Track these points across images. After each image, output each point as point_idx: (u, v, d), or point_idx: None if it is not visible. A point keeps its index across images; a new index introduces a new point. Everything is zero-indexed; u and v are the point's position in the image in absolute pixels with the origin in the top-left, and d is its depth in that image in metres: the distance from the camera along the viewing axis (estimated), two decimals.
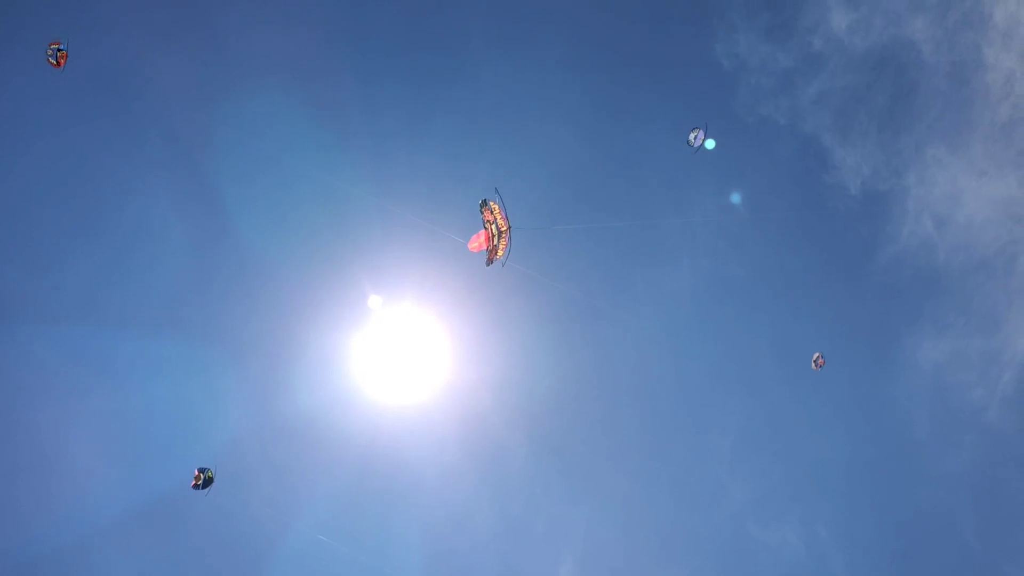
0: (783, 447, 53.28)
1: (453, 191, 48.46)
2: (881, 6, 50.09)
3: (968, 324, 50.80)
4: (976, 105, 49.97)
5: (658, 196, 54.00)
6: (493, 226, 31.36)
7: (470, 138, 52.12)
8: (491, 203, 30.97)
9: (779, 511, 52.43)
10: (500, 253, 31.94)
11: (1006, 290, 50.05)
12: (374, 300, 46.96)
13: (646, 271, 54.37)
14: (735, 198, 51.83)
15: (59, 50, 36.79)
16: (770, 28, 51.51)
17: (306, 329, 49.23)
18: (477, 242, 32.35)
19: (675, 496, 54.02)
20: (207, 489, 37.41)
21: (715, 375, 54.39)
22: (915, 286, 51.85)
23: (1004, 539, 49.42)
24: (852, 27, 50.43)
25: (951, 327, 50.98)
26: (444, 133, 51.72)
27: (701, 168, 52.27)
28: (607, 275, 54.45)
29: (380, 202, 48.32)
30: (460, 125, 52.25)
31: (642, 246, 54.19)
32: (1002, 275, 50.12)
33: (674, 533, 53.37)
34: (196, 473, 37.15)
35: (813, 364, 42.38)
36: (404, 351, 50.75)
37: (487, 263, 32.33)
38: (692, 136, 39.92)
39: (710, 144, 40.05)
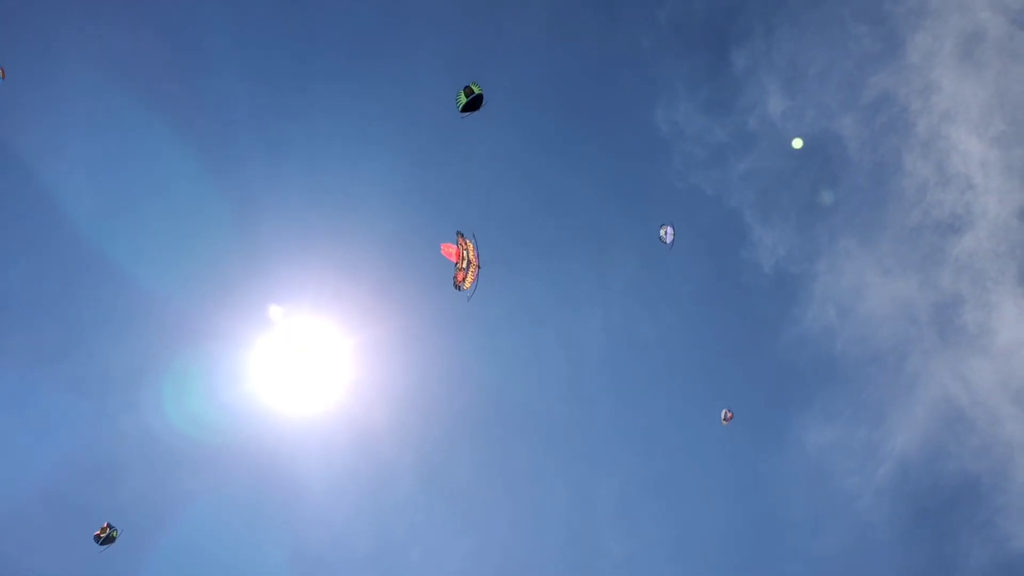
0: (664, 507, 54.26)
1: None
2: (815, 99, 52.41)
3: (855, 414, 52.76)
4: (890, 206, 52.53)
5: (581, 244, 55.09)
6: (466, 253, 31.90)
7: (365, 140, 51.78)
8: (467, 239, 31.70)
9: (654, 571, 53.21)
10: (468, 285, 32.56)
11: (893, 386, 52.24)
12: (275, 310, 46.87)
13: (559, 314, 55.23)
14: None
15: None
16: (710, 102, 53.45)
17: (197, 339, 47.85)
18: (448, 252, 32.42)
19: (555, 541, 54.33)
20: (105, 545, 36.66)
21: (612, 426, 55.21)
22: (812, 370, 53.82)
23: None
24: (786, 113, 52.60)
25: (839, 415, 52.84)
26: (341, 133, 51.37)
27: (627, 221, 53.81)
28: (521, 311, 55.05)
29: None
30: (357, 126, 52.02)
31: (559, 291, 55.12)
32: (892, 371, 52.36)
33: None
34: (104, 527, 36.42)
35: (723, 419, 43.35)
36: (303, 362, 50.22)
37: (454, 286, 32.54)
38: (662, 232, 41.02)
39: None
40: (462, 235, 31.66)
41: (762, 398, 54.04)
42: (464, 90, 32.27)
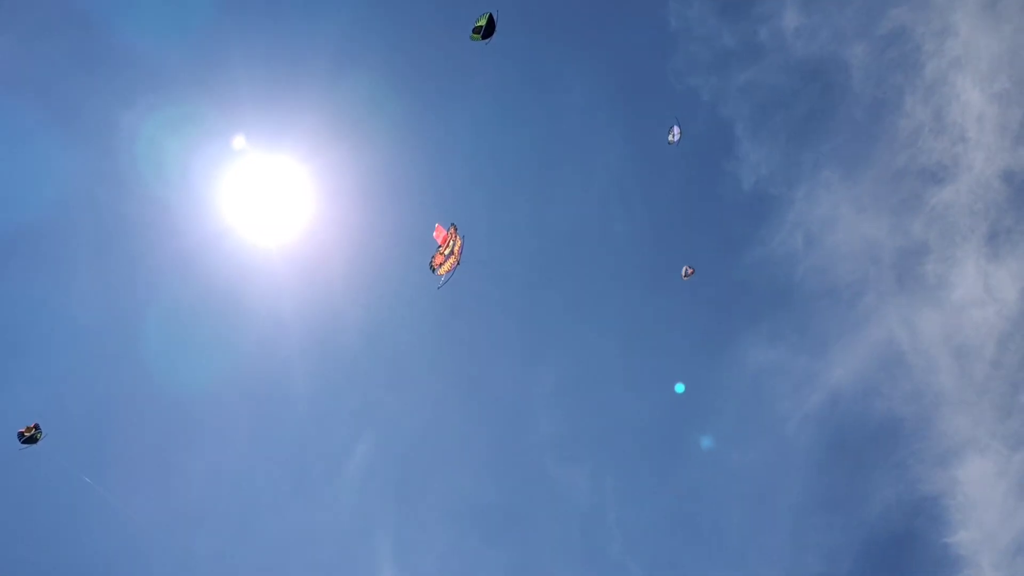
0: (599, 398, 55.48)
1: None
2: (831, 21, 51.19)
3: (799, 341, 53.77)
4: (880, 145, 52.24)
5: (567, 127, 54.19)
6: (452, 244, 32.12)
7: None
8: (459, 235, 31.84)
9: (578, 455, 54.73)
10: (443, 271, 32.94)
11: (842, 321, 53.16)
12: (238, 140, 46.04)
13: (534, 191, 54.89)
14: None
15: None
16: (725, 4, 51.97)
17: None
18: (439, 235, 32.42)
19: (489, 415, 55.59)
20: (26, 444, 34.95)
21: (563, 311, 55.93)
22: (767, 292, 54.51)
23: (754, 536, 53.40)
24: (799, 31, 51.38)
25: (784, 339, 53.84)
26: None
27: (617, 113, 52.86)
28: (494, 177, 54.51)
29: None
30: None
31: (538, 170, 54.54)
32: (844, 306, 53.17)
33: (474, 444, 55.07)
34: (31, 426, 34.84)
35: (683, 275, 43.54)
36: (270, 194, 49.72)
37: (429, 266, 32.93)
38: (670, 133, 41.58)
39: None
40: (456, 228, 31.80)
41: (714, 309, 54.90)
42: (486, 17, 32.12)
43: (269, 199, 50.28)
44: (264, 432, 51.72)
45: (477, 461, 54.66)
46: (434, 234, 32.37)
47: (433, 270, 33.06)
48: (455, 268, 32.86)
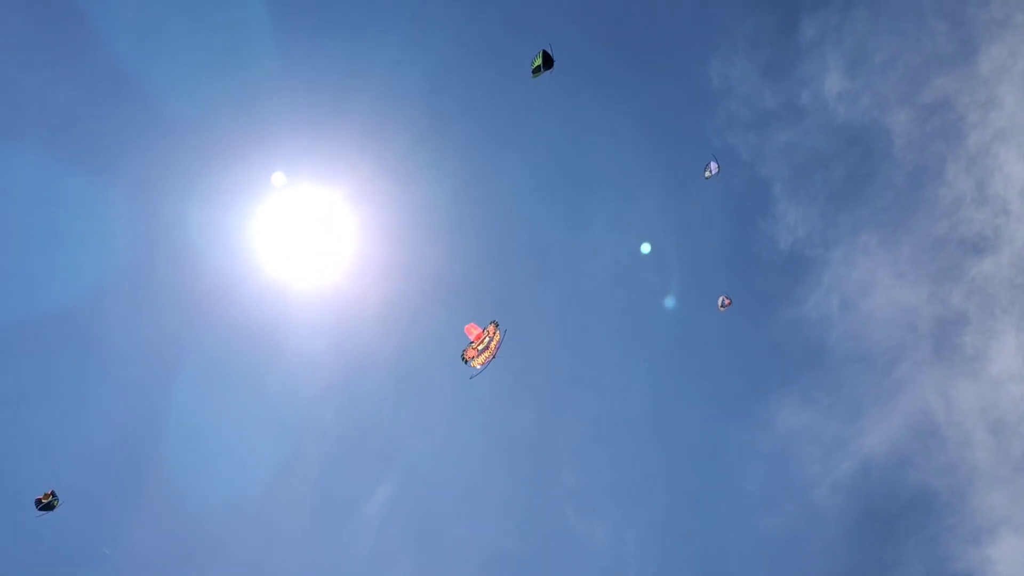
0: (625, 452, 54.91)
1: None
2: (874, 87, 51.26)
3: (832, 406, 52.93)
4: (920, 212, 51.79)
5: (606, 174, 54.67)
6: (489, 341, 32.44)
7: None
8: (499, 330, 32.28)
9: (599, 507, 54.03)
10: (477, 364, 33.05)
11: (876, 388, 52.31)
12: (278, 177, 46.85)
13: (570, 239, 55.14)
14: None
15: None
16: (768, 65, 52.29)
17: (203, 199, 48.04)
18: (471, 332, 32.80)
19: (514, 461, 55.30)
20: (44, 511, 35.52)
21: (593, 361, 55.65)
22: (801, 353, 53.85)
23: None
24: (841, 95, 51.51)
25: (816, 403, 53.02)
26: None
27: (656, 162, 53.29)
28: (528, 227, 54.95)
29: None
30: None
31: (574, 216, 54.93)
32: (879, 373, 52.35)
33: (497, 492, 54.65)
34: (48, 493, 35.38)
35: (720, 305, 43.31)
36: (307, 231, 50.57)
37: (462, 358, 32.97)
38: (707, 171, 41.94)
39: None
40: (496, 325, 32.18)
41: (746, 369, 54.47)
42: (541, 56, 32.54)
43: (306, 236, 51.08)
44: (287, 468, 51.89)
45: (498, 508, 54.34)
46: (466, 330, 32.56)
47: (465, 362, 32.93)
48: (489, 362, 32.87)
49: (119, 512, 48.35)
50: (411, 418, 54.39)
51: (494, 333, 32.24)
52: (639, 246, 52.55)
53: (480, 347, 32.52)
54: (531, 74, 33.10)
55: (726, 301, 43.19)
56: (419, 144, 51.29)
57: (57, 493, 35.60)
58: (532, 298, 54.46)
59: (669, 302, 52.94)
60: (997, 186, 50.39)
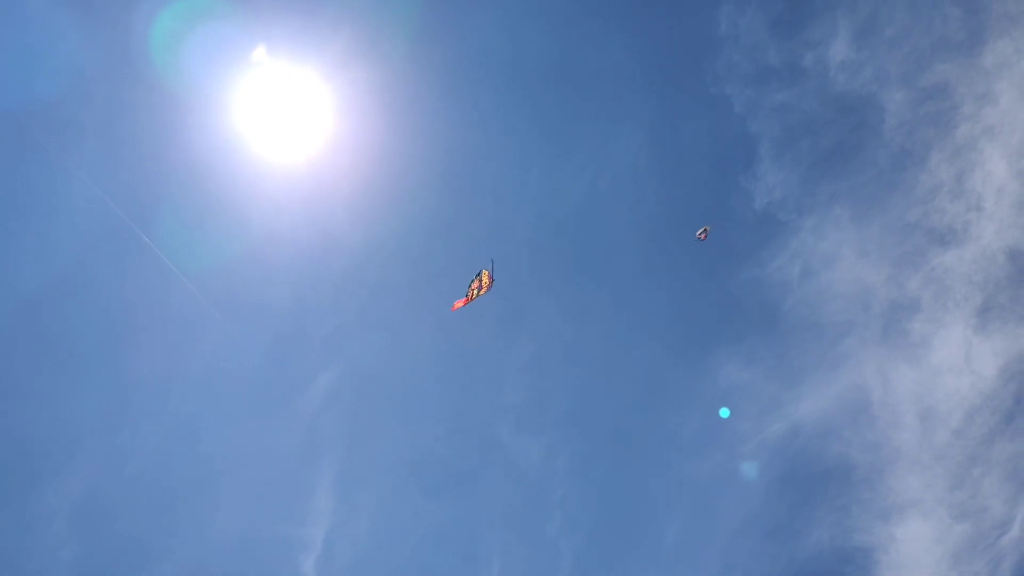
0: (570, 379, 55.82)
1: None
2: (878, 61, 51.05)
3: (774, 368, 53.96)
4: (897, 194, 52.22)
5: (595, 101, 54.11)
6: (477, 290, 33.28)
7: None
8: (484, 273, 32.88)
9: (534, 427, 54.92)
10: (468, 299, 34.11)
11: (820, 359, 53.40)
12: (259, 52, 45.87)
13: (550, 154, 54.86)
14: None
15: None
16: (779, 20, 51.72)
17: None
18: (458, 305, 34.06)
19: (457, 369, 55.86)
20: None
21: (550, 286, 56.02)
22: (755, 313, 54.63)
23: (687, 546, 53.92)
24: (844, 64, 51.24)
25: (760, 363, 54.01)
26: None
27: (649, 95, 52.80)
28: (513, 139, 54.49)
29: None
30: None
31: (556, 135, 54.54)
32: (825, 345, 53.40)
33: (437, 397, 55.35)
34: None
35: (699, 234, 42.70)
36: (285, 107, 49.55)
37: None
38: (699, 232, 41.64)
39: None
40: (479, 274, 33.08)
41: (700, 317, 55.16)
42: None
43: (284, 113, 50.19)
44: (233, 343, 51.91)
45: (436, 413, 55.11)
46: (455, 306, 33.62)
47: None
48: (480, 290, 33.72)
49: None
50: (365, 310, 54.57)
51: (488, 279, 33.12)
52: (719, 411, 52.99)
53: (473, 295, 33.64)
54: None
55: (707, 230, 42.90)
56: (400, 21, 50.14)
57: None
58: (501, 216, 54.28)
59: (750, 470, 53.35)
60: (975, 181, 50.95)
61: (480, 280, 33.80)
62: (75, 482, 48.19)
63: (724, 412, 52.45)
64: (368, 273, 53.54)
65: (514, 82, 53.28)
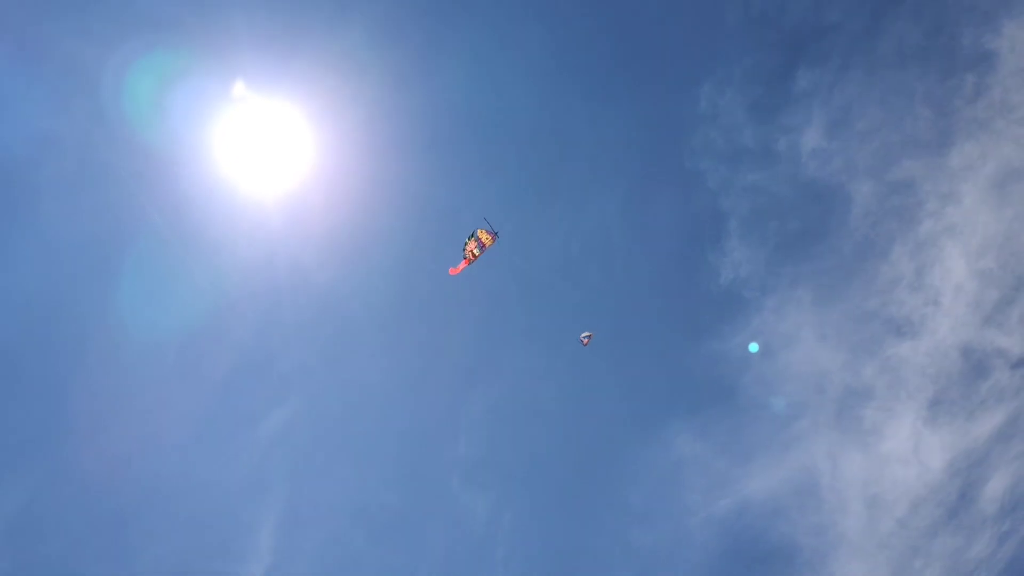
0: (524, 436, 55.68)
1: None
2: (848, 152, 52.45)
3: (727, 444, 54.22)
4: (857, 282, 53.34)
5: (573, 165, 55.08)
6: (476, 249, 32.90)
7: None
8: (478, 232, 32.58)
9: (484, 481, 54.62)
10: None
11: (771, 438, 53.80)
12: (239, 88, 46.20)
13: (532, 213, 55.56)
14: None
15: None
16: (756, 104, 53.08)
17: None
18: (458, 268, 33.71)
19: (412, 416, 55.60)
20: None
21: (514, 339, 56.28)
22: (711, 388, 55.02)
23: None
24: (816, 152, 52.58)
25: (713, 437, 54.24)
26: None
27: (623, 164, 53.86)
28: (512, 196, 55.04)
29: None
30: None
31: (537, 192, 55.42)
32: (778, 425, 53.86)
33: (390, 443, 55.01)
34: None
35: (582, 340, 42.94)
36: (266, 141, 49.75)
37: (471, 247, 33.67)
38: (583, 336, 41.77)
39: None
40: (473, 234, 32.62)
41: (657, 386, 55.51)
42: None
43: (262, 148, 50.35)
44: (191, 371, 51.51)
45: (387, 459, 54.72)
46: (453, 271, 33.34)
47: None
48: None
49: None
50: (326, 350, 54.41)
51: (476, 241, 32.69)
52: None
53: (474, 253, 33.23)
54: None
55: (590, 335, 42.82)
56: (379, 49, 50.63)
57: None
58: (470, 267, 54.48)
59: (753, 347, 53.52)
60: (935, 277, 52.14)
61: (477, 239, 33.08)
62: (11, 498, 47.37)
63: (753, 347, 52.63)
64: (332, 313, 53.56)
65: (494, 135, 54.04)
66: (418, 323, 55.01)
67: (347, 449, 54.11)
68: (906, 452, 52.25)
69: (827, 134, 52.05)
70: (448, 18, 52.23)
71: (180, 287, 49.86)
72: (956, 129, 51.08)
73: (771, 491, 52.97)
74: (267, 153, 50.05)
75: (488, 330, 55.53)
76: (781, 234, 53.74)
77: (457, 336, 55.52)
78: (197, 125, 47.11)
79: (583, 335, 41.93)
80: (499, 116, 53.03)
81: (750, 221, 53.69)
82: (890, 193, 51.90)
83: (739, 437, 54.07)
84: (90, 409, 49.53)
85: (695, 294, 54.91)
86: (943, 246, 51.85)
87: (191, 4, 45.90)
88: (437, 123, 52.04)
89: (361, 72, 49.22)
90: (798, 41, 52.33)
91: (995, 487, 50.80)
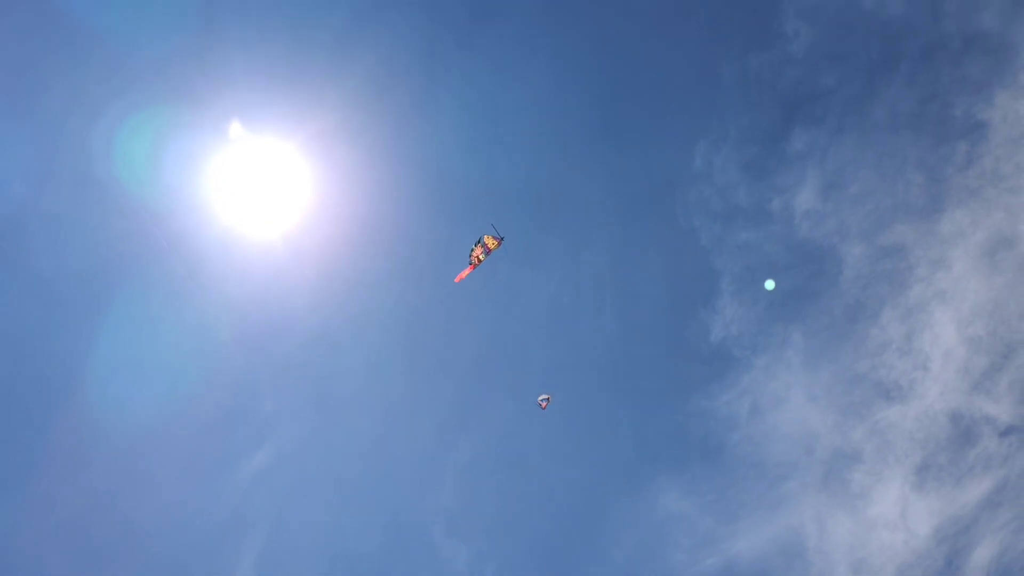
0: (508, 488, 55.01)
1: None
2: (841, 215, 52.77)
3: (714, 503, 53.76)
4: (847, 345, 53.33)
5: (563, 220, 55.20)
6: (482, 254, 33.08)
7: None
8: (486, 238, 32.64)
9: (466, 533, 53.87)
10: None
11: (760, 498, 53.37)
12: (235, 128, 46.29)
13: (524, 269, 55.48)
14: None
15: None
16: (751, 164, 53.51)
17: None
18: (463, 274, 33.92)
19: (396, 463, 54.93)
20: None
21: (502, 391, 55.84)
22: (700, 445, 54.67)
23: None
24: (809, 213, 52.91)
25: (701, 495, 53.82)
26: None
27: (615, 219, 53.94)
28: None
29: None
30: None
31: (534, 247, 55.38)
32: (766, 485, 53.43)
33: (371, 489, 54.22)
34: None
35: (539, 403, 42.84)
36: (266, 182, 49.72)
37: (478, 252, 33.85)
38: (541, 399, 41.95)
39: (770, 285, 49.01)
40: (480, 240, 32.69)
41: (644, 444, 54.97)
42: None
43: (257, 189, 50.25)
44: (173, 408, 50.83)
45: (368, 506, 54.00)
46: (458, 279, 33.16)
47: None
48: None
49: None
50: (310, 394, 54.01)
51: (482, 247, 32.71)
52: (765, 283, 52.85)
53: (479, 258, 33.21)
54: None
55: (548, 399, 42.62)
56: (379, 90, 50.77)
57: None
58: (460, 313, 54.46)
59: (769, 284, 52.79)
60: (924, 342, 52.20)
61: (484, 246, 33.27)
62: None
63: (769, 284, 52.02)
64: (319, 357, 53.22)
65: (489, 185, 54.11)
66: (406, 369, 54.75)
67: (327, 495, 53.51)
68: (893, 517, 51.88)
69: (820, 196, 52.54)
70: (448, 66, 52.72)
71: (168, 327, 49.52)
72: (947, 196, 51.59)
73: (758, 552, 52.45)
74: (262, 194, 50.04)
75: (476, 379, 55.18)
76: (773, 294, 53.85)
77: (445, 384, 55.26)
78: (191, 174, 47.25)
79: (540, 398, 41.66)
80: (495, 165, 53.31)
81: (742, 279, 53.92)
82: (881, 257, 52.23)
83: (726, 496, 53.68)
84: (71, 445, 48.94)
85: (686, 350, 54.86)
86: (933, 311, 52.05)
87: (189, 51, 45.82)
88: (432, 172, 52.22)
89: (359, 114, 49.54)
90: (794, 103, 53.02)
91: (982, 555, 50.37)
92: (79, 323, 48.32)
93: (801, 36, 50.64)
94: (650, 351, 55.60)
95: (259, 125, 48.31)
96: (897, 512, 51.78)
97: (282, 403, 53.35)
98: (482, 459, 54.33)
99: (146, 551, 50.38)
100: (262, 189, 49.96)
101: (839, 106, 52.73)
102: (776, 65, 52.27)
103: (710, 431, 53.71)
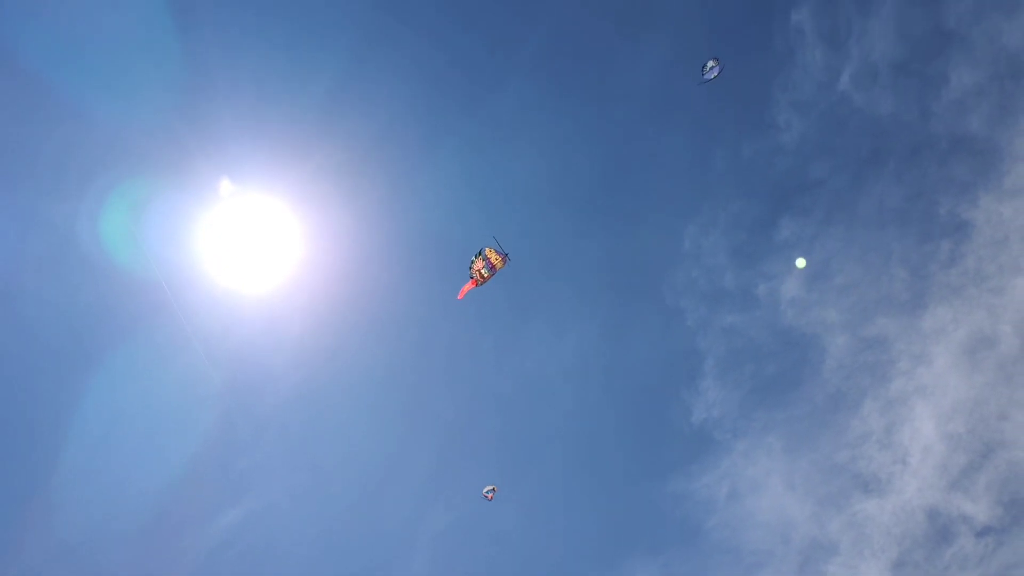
0: (482, 560, 54.26)
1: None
2: (825, 305, 53.32)
3: None
4: (828, 434, 53.33)
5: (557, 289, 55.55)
6: (484, 270, 32.36)
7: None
8: (486, 251, 32.14)
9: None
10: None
11: None
12: (225, 185, 46.70)
13: (514, 328, 55.70)
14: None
15: None
16: (738, 249, 54.27)
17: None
18: (465, 289, 33.42)
19: (368, 531, 54.20)
20: None
21: (485, 463, 55.44)
22: (676, 527, 54.21)
23: None
24: (794, 301, 53.47)
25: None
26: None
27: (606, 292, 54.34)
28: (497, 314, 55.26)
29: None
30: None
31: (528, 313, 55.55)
32: (742, 570, 52.83)
33: (341, 559, 53.39)
34: None
35: (486, 493, 42.00)
36: (255, 238, 50.11)
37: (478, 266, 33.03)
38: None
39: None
40: (480, 252, 32.12)
41: (620, 522, 54.48)
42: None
43: (247, 245, 50.50)
44: (147, 459, 50.28)
45: (337, 571, 53.04)
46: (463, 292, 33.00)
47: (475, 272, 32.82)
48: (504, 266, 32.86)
49: None
50: (286, 453, 53.56)
51: (482, 260, 32.05)
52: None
53: (482, 274, 32.42)
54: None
55: (492, 490, 42.02)
56: (369, 146, 51.13)
57: None
58: (445, 378, 54.49)
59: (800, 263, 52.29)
60: (903, 436, 52.29)
61: (485, 259, 31.93)
62: None
63: (800, 262, 51.26)
64: (298, 415, 52.97)
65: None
66: (385, 432, 54.43)
67: (296, 559, 52.57)
68: None
69: (806, 285, 53.19)
70: (445, 133, 53.50)
71: (148, 378, 49.19)
72: (930, 292, 52.25)
73: None
74: (250, 252, 50.37)
75: (455, 447, 54.85)
76: (756, 378, 54.14)
77: (424, 450, 54.91)
78: (179, 235, 47.56)
79: (486, 490, 41.28)
80: (485, 236, 53.70)
81: (726, 362, 54.19)
82: (864, 348, 52.64)
83: None
84: (42, 496, 48.24)
85: (666, 430, 54.87)
86: (913, 406, 52.26)
87: (178, 110, 46.20)
88: (421, 236, 52.66)
89: (351, 174, 50.06)
90: (783, 192, 54.05)
91: None
92: (62, 385, 48.17)
93: (793, 127, 51.88)
94: (632, 428, 55.64)
95: (249, 181, 48.89)
96: None
97: (256, 460, 52.90)
98: (457, 529, 53.76)
99: None
100: (251, 245, 50.42)
101: (827, 198, 53.84)
102: (767, 154, 53.54)
103: (688, 513, 53.47)
